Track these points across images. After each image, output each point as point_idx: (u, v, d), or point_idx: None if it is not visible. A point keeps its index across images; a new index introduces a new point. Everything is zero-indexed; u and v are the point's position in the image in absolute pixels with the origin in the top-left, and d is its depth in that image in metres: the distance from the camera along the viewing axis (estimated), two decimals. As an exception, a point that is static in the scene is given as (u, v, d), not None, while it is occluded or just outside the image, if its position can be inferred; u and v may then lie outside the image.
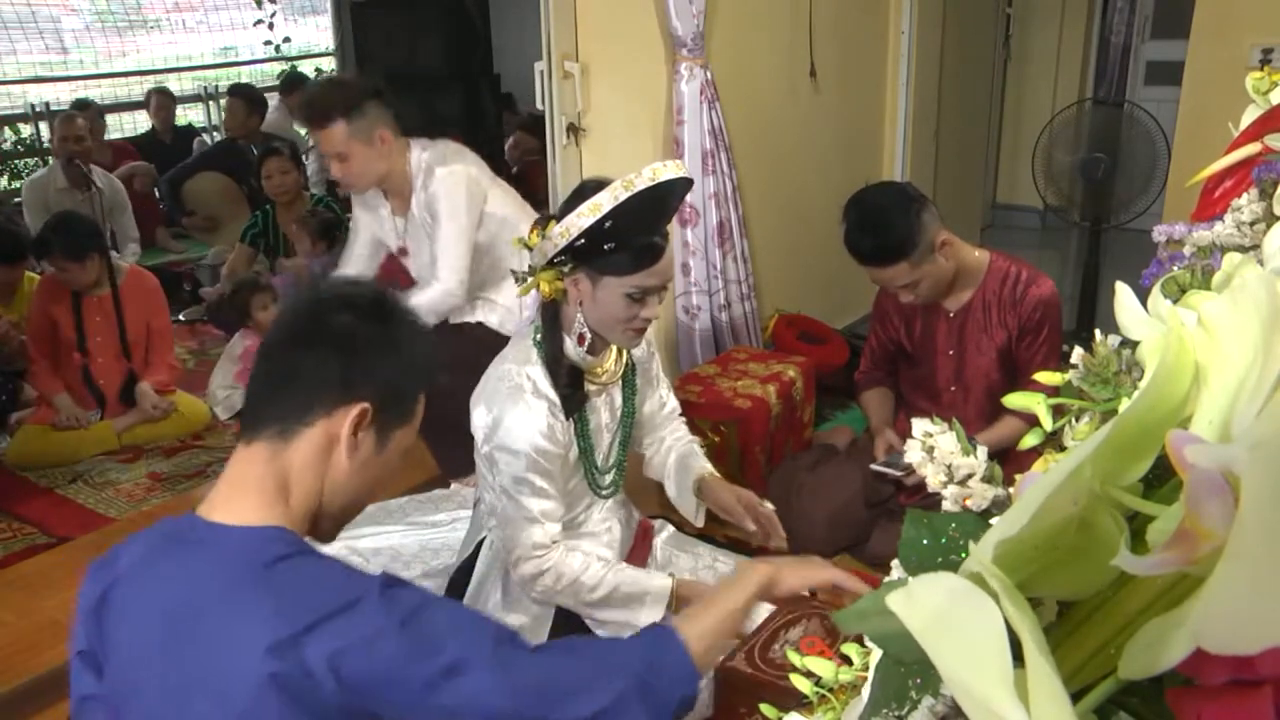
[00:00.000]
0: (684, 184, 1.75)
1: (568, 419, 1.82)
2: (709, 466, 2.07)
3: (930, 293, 2.28)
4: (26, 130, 6.09)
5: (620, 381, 1.97)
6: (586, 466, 1.92)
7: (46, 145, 5.74)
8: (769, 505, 1.99)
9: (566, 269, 1.74)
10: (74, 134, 4.47)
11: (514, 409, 1.76)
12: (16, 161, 5.98)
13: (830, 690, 0.95)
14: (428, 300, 2.61)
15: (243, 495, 1.08)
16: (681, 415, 2.19)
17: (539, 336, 1.83)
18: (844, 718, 0.86)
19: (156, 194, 5.51)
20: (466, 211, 2.64)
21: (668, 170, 1.67)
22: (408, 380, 1.17)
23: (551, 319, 1.80)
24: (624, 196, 1.64)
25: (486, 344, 2.72)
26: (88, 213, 3.90)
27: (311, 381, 1.10)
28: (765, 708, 1.07)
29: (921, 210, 2.19)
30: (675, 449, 2.12)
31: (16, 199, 4.99)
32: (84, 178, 4.33)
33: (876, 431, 2.52)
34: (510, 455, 1.76)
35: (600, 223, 1.65)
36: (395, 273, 3.84)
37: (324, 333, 1.12)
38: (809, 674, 0.99)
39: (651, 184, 1.65)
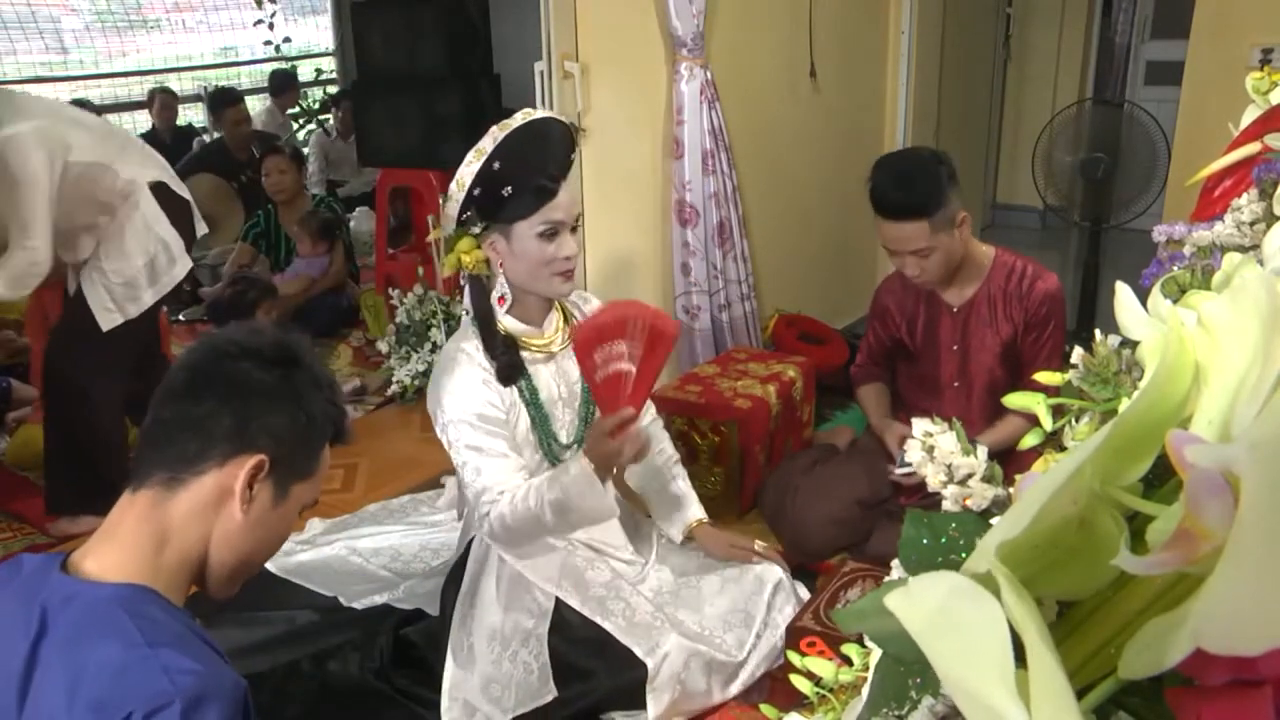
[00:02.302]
0: (560, 126, 1.89)
1: (505, 385, 1.87)
2: (699, 511, 2.11)
3: (937, 271, 2.24)
4: (26, 130, 6.08)
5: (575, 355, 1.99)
6: (542, 438, 1.94)
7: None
8: (759, 544, 2.08)
9: (478, 230, 1.83)
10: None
11: (449, 380, 1.84)
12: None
13: (830, 690, 0.95)
14: (10, 269, 2.42)
15: (113, 546, 1.02)
16: (658, 419, 2.20)
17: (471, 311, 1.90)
18: (844, 718, 0.86)
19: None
20: (45, 171, 2.40)
21: (539, 112, 1.86)
22: (309, 432, 1.11)
23: (478, 290, 1.88)
24: (501, 136, 1.78)
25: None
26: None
27: (205, 430, 1.04)
28: (765, 708, 1.07)
29: (950, 177, 2.19)
30: (662, 476, 2.13)
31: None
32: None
33: (882, 428, 2.48)
34: (456, 425, 1.82)
35: (488, 165, 1.77)
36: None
37: (220, 380, 1.06)
38: (809, 674, 0.99)
39: (525, 122, 1.81)
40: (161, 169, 2.69)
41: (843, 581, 2.03)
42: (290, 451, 1.09)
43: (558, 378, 1.96)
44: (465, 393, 1.83)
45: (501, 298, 1.89)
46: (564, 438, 1.97)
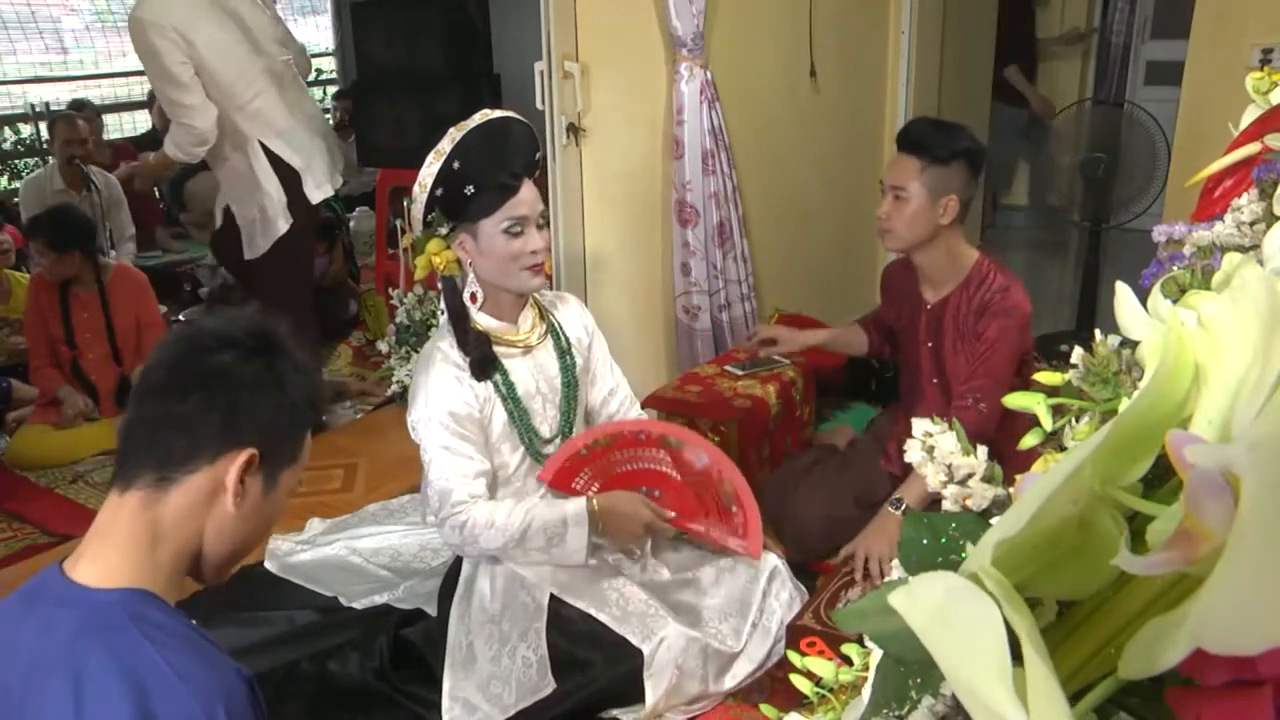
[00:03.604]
0: (520, 126, 1.92)
1: (479, 380, 1.89)
2: None
3: (900, 226, 2.23)
4: (26, 130, 6.08)
5: (555, 350, 2.01)
6: (522, 433, 1.95)
7: (46, 145, 5.72)
8: None
9: (445, 231, 1.87)
10: (76, 137, 4.46)
11: (424, 379, 1.88)
12: (16, 161, 5.97)
13: (830, 690, 0.95)
14: (173, 136, 2.96)
15: (109, 550, 1.01)
16: (644, 416, 2.22)
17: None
18: (844, 718, 0.86)
19: (156, 194, 5.51)
20: (168, 56, 2.81)
21: (497, 112, 1.90)
22: (294, 420, 1.10)
23: (451, 289, 1.92)
24: (459, 136, 1.83)
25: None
26: (86, 212, 3.90)
27: (193, 428, 1.02)
28: (765, 708, 1.07)
29: (971, 161, 2.21)
30: None
31: (16, 199, 4.99)
32: (83, 178, 4.33)
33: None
34: (427, 423, 1.86)
35: (448, 164, 1.81)
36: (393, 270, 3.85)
37: (204, 375, 1.04)
38: (809, 674, 0.99)
39: (483, 121, 1.85)
40: (278, 134, 3.07)
41: (843, 581, 2.04)
42: (278, 441, 1.08)
43: (536, 373, 1.98)
44: (438, 391, 1.86)
45: (473, 295, 1.91)
46: (545, 432, 1.99)
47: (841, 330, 2.69)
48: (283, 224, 3.09)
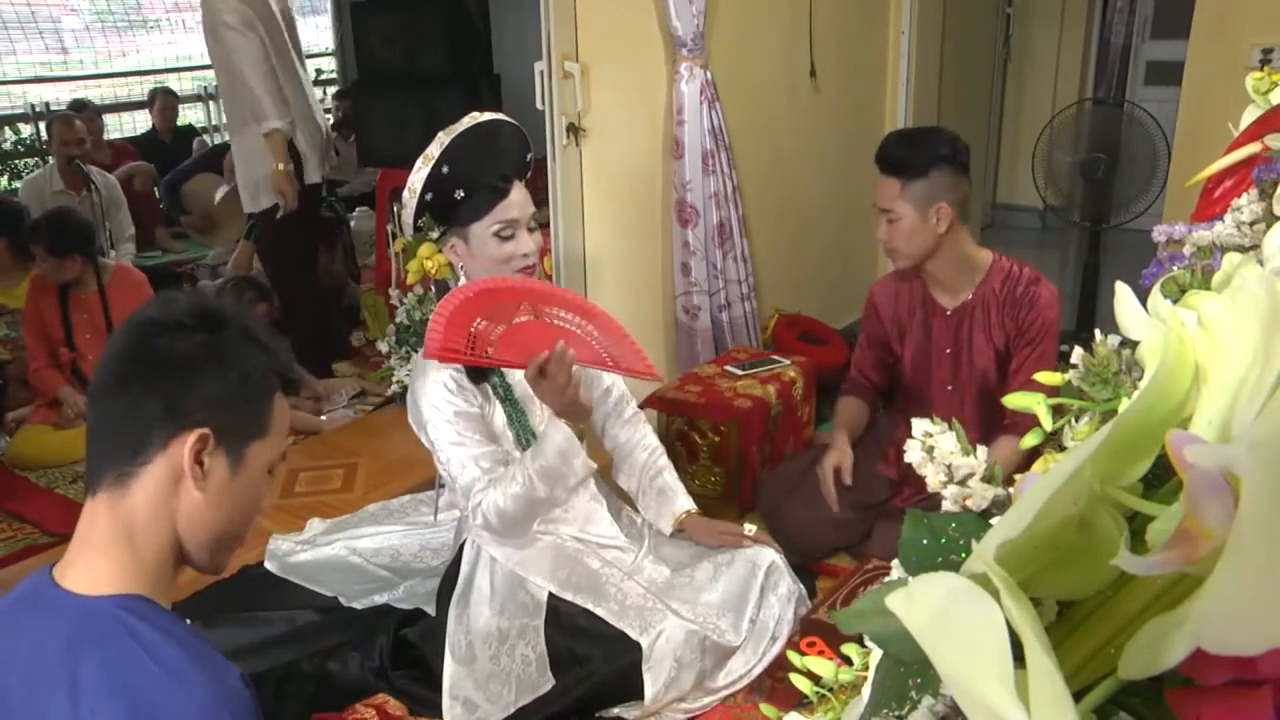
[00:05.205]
0: (510, 128, 1.93)
1: (475, 383, 1.89)
2: (687, 502, 2.11)
3: (901, 245, 2.23)
4: (26, 130, 6.08)
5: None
6: (519, 434, 1.95)
7: (46, 145, 5.72)
8: (749, 527, 2.09)
9: (436, 236, 1.87)
10: (74, 137, 4.46)
11: (422, 383, 1.87)
12: (16, 161, 5.97)
13: (830, 690, 0.95)
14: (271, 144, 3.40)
15: (94, 556, 0.99)
16: (640, 413, 2.20)
17: None
18: (844, 718, 0.86)
19: (156, 194, 5.51)
20: (245, 53, 3.29)
21: (487, 115, 1.92)
22: (247, 391, 1.04)
23: (444, 293, 1.90)
24: (448, 141, 1.83)
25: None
26: (86, 213, 3.90)
27: (138, 417, 0.99)
28: (765, 707, 1.08)
29: (950, 162, 2.19)
30: (648, 471, 2.12)
31: (17, 199, 4.99)
32: (82, 179, 4.32)
33: (833, 440, 2.43)
34: (435, 424, 1.85)
35: (437, 169, 1.82)
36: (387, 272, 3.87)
37: (144, 363, 1.00)
38: (809, 674, 0.99)
39: (472, 124, 1.86)
40: (290, 124, 3.44)
41: (863, 579, 2.04)
42: (232, 416, 1.03)
43: None
44: (439, 395, 1.86)
45: None
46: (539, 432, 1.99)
47: (848, 418, 2.51)
48: (272, 200, 3.45)
